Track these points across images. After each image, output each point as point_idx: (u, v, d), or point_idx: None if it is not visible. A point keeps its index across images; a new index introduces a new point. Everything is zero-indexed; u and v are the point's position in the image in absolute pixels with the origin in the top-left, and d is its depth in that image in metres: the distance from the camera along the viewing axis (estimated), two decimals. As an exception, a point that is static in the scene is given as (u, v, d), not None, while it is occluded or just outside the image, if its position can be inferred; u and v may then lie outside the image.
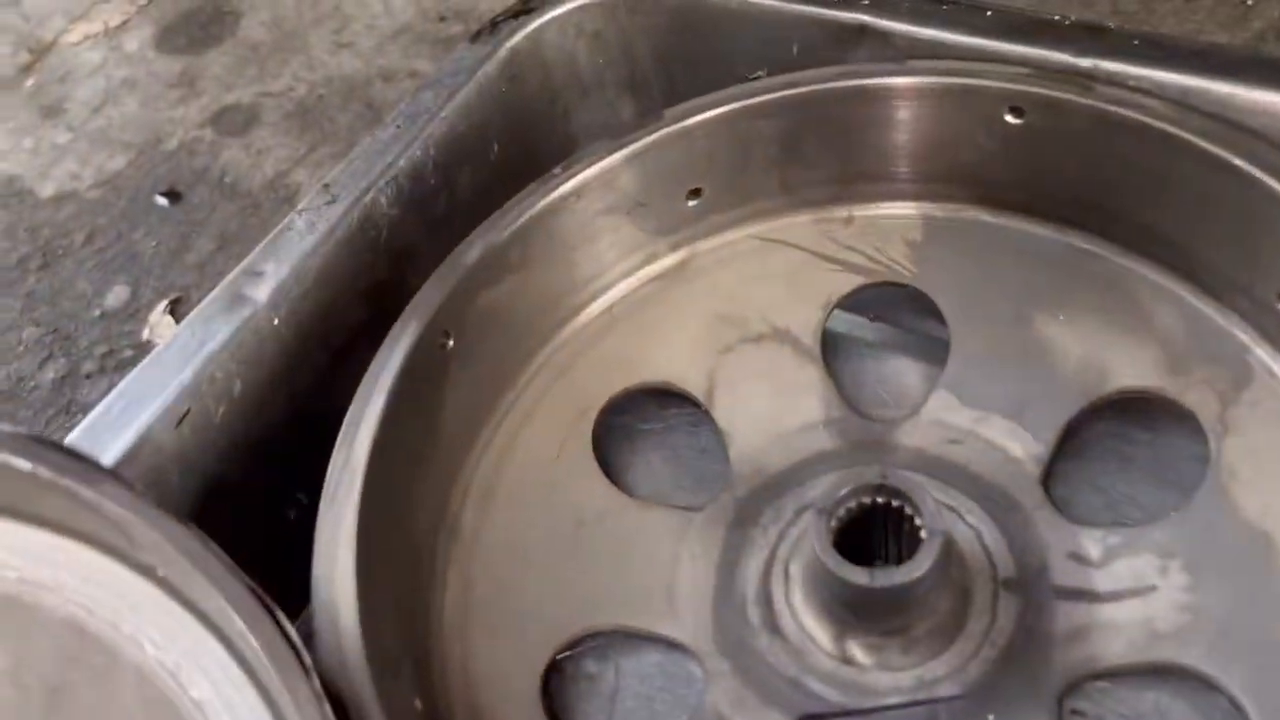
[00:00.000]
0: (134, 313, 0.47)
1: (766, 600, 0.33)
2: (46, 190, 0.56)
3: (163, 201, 0.54)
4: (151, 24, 0.62)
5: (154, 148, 0.56)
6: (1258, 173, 0.31)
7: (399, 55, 0.56)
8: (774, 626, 0.32)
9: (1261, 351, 0.33)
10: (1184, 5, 0.53)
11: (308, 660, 0.23)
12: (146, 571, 0.25)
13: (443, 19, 0.55)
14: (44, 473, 0.25)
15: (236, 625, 0.24)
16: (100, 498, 0.24)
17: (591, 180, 0.36)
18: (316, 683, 0.23)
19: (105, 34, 0.62)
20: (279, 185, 0.52)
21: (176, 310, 0.46)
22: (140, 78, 0.60)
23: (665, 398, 0.37)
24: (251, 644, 0.23)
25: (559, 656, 0.32)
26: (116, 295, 0.49)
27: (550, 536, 0.34)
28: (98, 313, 0.47)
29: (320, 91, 0.55)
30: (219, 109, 0.57)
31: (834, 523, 0.30)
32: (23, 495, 0.25)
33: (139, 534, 0.24)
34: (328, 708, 0.23)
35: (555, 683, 0.32)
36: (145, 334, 0.45)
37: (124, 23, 0.62)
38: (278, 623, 0.23)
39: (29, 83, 0.61)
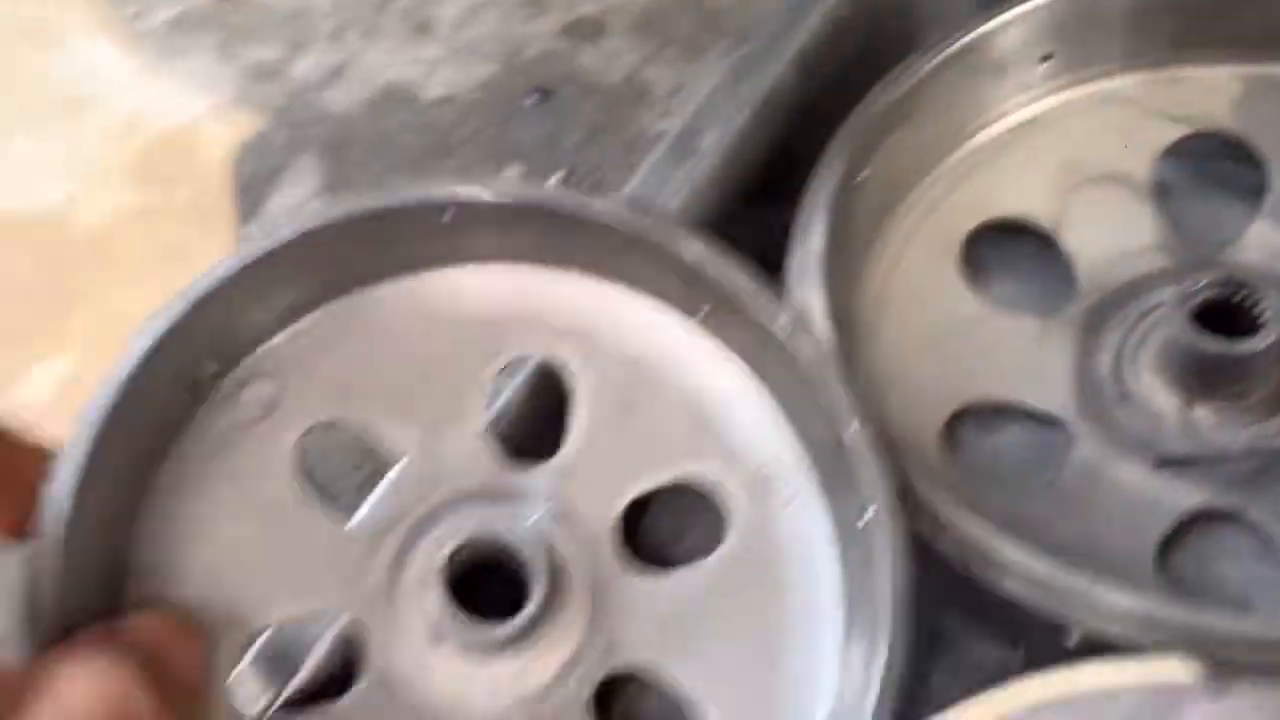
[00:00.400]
0: (535, 187, 0.59)
1: (1119, 378, 0.41)
2: (430, 94, 0.68)
3: (531, 101, 0.65)
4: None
5: (516, 56, 0.67)
6: None
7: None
8: (1127, 396, 0.40)
9: None
10: None
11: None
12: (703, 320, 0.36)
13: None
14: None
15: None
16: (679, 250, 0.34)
17: (961, 49, 0.44)
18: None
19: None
20: (634, 82, 0.62)
21: (567, 182, 0.57)
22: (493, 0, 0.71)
23: (1019, 231, 0.45)
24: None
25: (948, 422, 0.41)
26: (513, 173, 0.60)
27: (930, 339, 0.43)
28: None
29: (662, 3, 0.65)
30: (570, 21, 0.68)
31: (1190, 305, 0.38)
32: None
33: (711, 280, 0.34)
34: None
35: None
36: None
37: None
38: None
39: (398, 4, 0.73)
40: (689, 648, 0.34)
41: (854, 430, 0.33)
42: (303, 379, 0.36)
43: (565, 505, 0.35)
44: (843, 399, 0.33)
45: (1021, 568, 0.33)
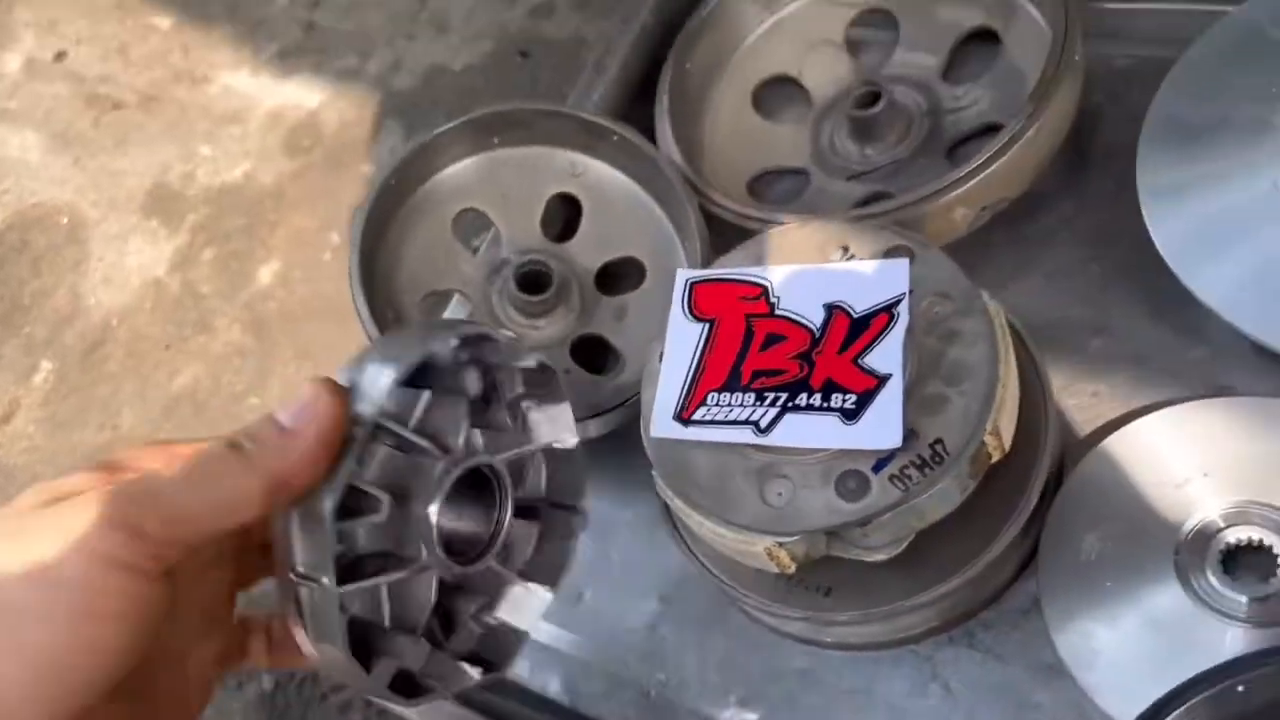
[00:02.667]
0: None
1: (831, 144, 0.81)
2: (457, 66, 1.09)
3: (519, 59, 1.06)
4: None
5: (504, 33, 1.08)
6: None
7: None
8: (835, 152, 0.80)
9: None
10: None
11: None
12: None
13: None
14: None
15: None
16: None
17: (734, -9, 0.84)
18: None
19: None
20: (576, 37, 1.03)
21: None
22: None
23: (782, 80, 0.85)
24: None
25: (750, 180, 0.81)
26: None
27: (738, 142, 0.83)
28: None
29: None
30: (533, 6, 1.09)
31: (856, 100, 0.78)
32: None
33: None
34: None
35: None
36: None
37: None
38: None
39: (424, 15, 1.14)
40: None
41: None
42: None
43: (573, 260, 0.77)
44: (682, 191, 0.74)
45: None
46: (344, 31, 1.17)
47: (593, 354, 0.76)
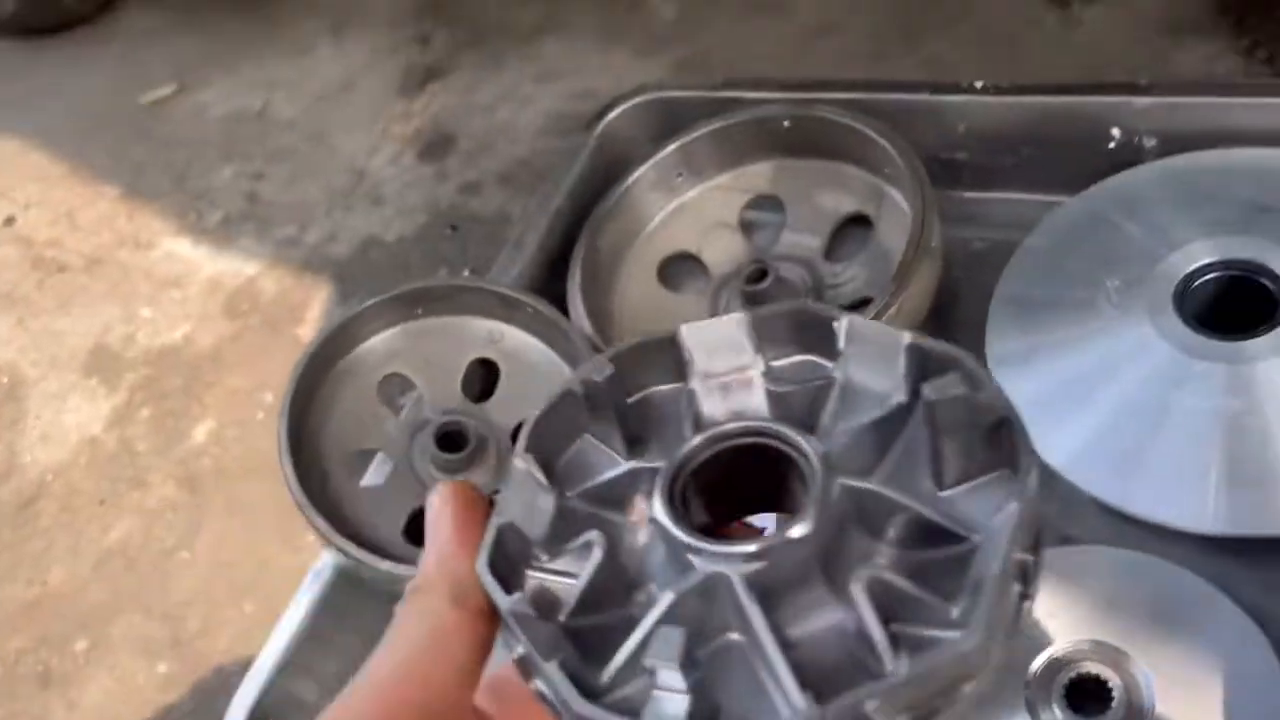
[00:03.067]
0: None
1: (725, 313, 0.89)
2: (390, 237, 1.17)
3: (448, 233, 1.14)
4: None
5: (436, 208, 1.17)
6: None
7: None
8: (730, 321, 0.88)
9: None
10: None
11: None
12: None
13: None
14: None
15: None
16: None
17: (638, 178, 0.93)
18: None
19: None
20: (501, 213, 1.12)
21: (472, 273, 1.07)
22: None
23: (684, 257, 0.94)
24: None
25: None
26: (443, 272, 1.09)
27: (646, 313, 0.91)
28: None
29: (509, 170, 1.15)
30: (462, 184, 1.18)
31: (746, 277, 0.87)
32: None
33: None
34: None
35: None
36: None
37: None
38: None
39: (362, 189, 1.23)
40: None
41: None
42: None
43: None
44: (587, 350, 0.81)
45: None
46: (285, 203, 1.25)
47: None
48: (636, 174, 0.93)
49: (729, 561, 0.32)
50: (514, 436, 0.83)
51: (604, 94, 1.18)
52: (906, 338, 0.36)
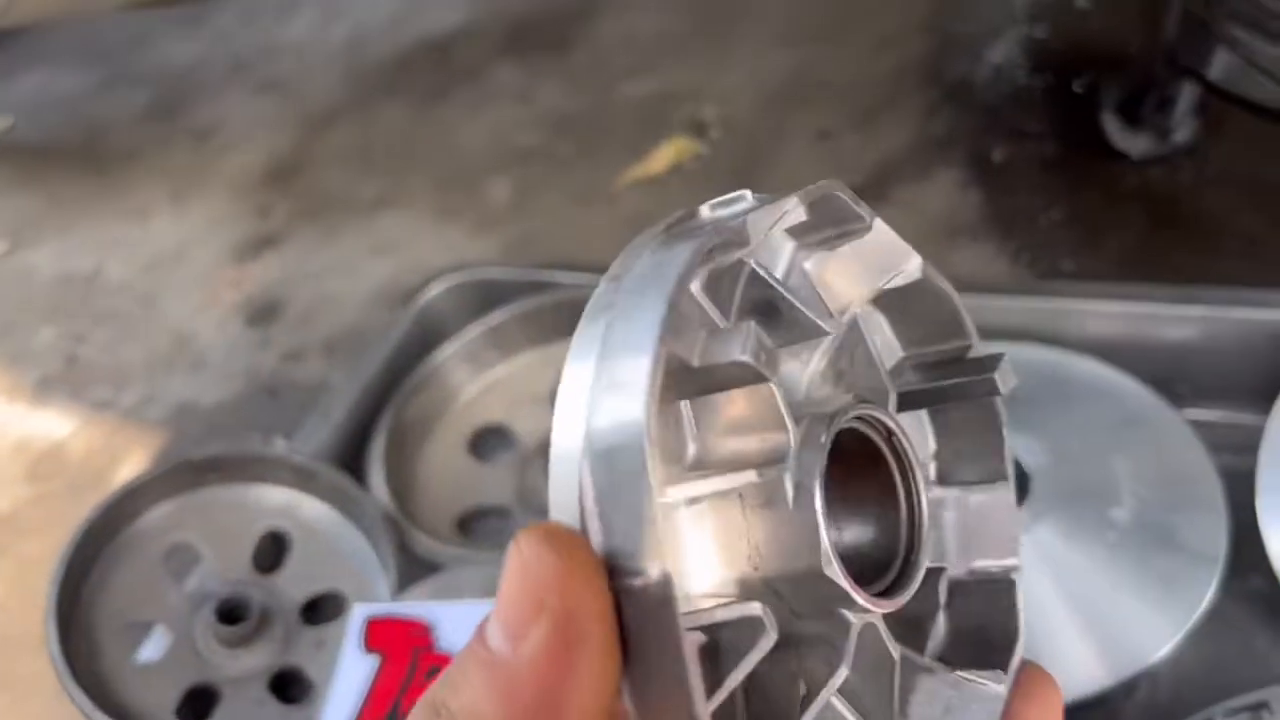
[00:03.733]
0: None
1: (531, 486, 0.90)
2: (206, 402, 1.16)
3: (263, 400, 1.14)
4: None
5: (256, 375, 1.17)
6: None
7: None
8: (535, 494, 0.89)
9: None
10: None
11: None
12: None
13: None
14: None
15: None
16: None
17: (462, 345, 0.95)
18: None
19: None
20: (317, 380, 1.12)
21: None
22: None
23: (495, 430, 0.95)
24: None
25: (458, 519, 0.89)
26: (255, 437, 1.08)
27: (450, 483, 0.92)
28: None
29: (332, 339, 1.17)
30: (283, 353, 1.18)
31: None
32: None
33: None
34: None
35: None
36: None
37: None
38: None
39: (190, 350, 1.22)
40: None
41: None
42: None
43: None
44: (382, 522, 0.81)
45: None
46: (104, 365, 1.23)
47: (291, 685, 0.79)
48: (449, 349, 0.96)
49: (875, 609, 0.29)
50: (304, 609, 0.81)
51: (436, 269, 1.22)
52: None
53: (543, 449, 0.92)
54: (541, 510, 0.81)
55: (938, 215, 1.04)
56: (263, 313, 1.22)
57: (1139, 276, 0.92)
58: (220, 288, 1.27)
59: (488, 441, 0.96)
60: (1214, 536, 0.65)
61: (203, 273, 1.31)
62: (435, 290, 1.01)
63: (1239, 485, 0.68)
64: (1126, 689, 0.63)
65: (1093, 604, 0.65)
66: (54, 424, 1.17)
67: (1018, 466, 0.70)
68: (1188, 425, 0.72)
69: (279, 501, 0.84)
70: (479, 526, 0.90)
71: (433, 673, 0.63)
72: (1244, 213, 0.98)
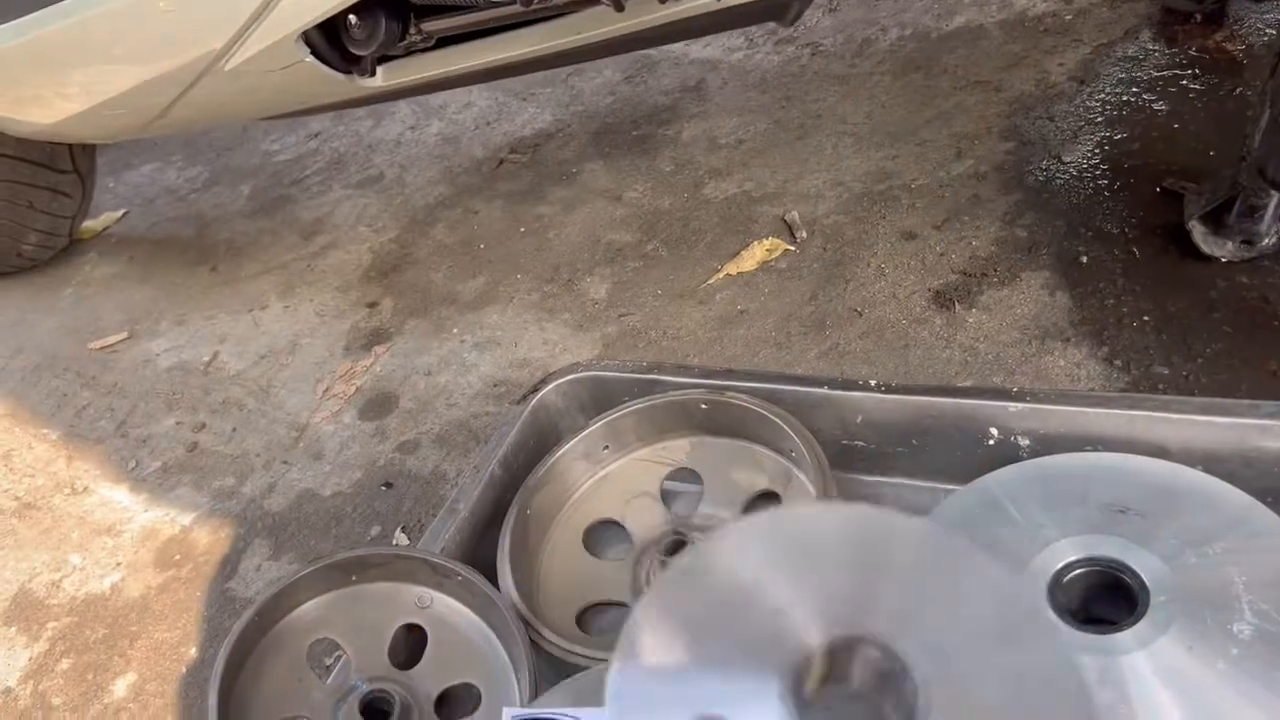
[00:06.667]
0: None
1: (649, 583, 0.94)
2: (326, 492, 1.22)
3: (383, 489, 1.19)
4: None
5: (373, 465, 1.22)
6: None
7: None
8: (650, 590, 0.93)
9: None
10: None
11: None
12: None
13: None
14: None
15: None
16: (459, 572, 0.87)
17: (570, 449, 1.00)
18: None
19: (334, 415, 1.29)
20: (436, 473, 1.18)
21: (406, 532, 1.10)
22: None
23: (608, 523, 1.00)
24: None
25: (578, 614, 0.94)
26: (374, 531, 1.13)
27: (569, 578, 0.96)
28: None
29: (447, 431, 1.22)
30: (400, 443, 1.24)
31: (666, 546, 0.93)
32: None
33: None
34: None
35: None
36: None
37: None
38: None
39: (301, 445, 1.28)
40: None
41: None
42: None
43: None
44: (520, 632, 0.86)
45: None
46: (225, 454, 1.30)
47: (429, 777, 0.83)
48: (566, 446, 1.01)
49: None
50: (438, 703, 0.86)
51: (539, 363, 1.28)
52: None
53: (653, 543, 0.97)
54: None
55: (1028, 319, 1.08)
56: (375, 405, 1.28)
57: (1234, 382, 0.94)
58: (333, 381, 1.34)
59: (600, 536, 1.00)
60: (1332, 650, 0.67)
61: (315, 366, 1.38)
62: (550, 389, 1.07)
63: (1351, 596, 0.70)
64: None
65: (1218, 717, 0.67)
66: (178, 512, 1.24)
67: (1133, 575, 0.74)
68: (1297, 536, 0.74)
69: (414, 598, 0.89)
70: (598, 621, 0.94)
71: (580, 772, 0.67)
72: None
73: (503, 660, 0.86)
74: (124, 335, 1.58)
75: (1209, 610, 0.70)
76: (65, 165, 1.66)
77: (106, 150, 2.14)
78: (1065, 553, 0.76)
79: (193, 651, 1.06)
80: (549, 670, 0.84)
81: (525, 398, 1.08)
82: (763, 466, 0.98)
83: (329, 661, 0.89)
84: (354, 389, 1.32)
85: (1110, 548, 0.75)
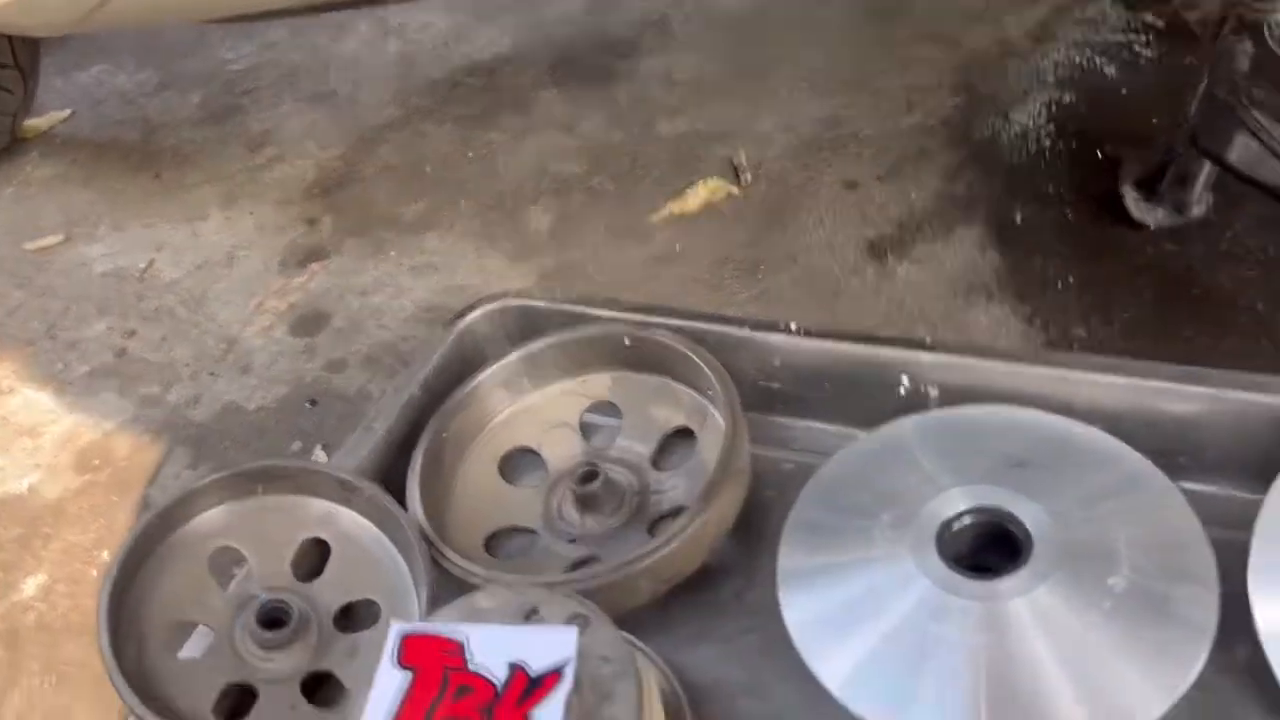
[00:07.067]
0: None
1: (560, 509, 0.95)
2: (251, 406, 1.21)
3: (309, 406, 1.19)
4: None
5: (299, 382, 1.22)
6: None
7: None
8: (562, 515, 0.94)
9: None
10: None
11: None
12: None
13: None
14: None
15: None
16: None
17: (487, 378, 1.00)
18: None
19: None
20: (361, 392, 1.18)
21: (326, 450, 1.10)
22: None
23: (525, 451, 1.00)
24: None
25: (486, 539, 0.94)
26: (296, 447, 1.13)
27: (482, 502, 0.97)
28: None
29: (373, 351, 1.22)
30: (328, 361, 1.24)
31: (579, 477, 0.94)
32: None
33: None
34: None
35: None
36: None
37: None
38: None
39: (230, 357, 1.27)
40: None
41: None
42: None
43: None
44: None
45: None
46: (153, 362, 1.29)
47: (323, 688, 0.84)
48: (487, 372, 1.00)
49: None
50: (338, 616, 0.86)
51: (475, 290, 1.27)
52: None
53: (569, 474, 0.97)
54: (563, 534, 0.84)
55: (957, 274, 1.09)
56: (307, 322, 1.28)
57: (1148, 348, 0.96)
58: (267, 295, 1.33)
59: (517, 464, 1.00)
60: (1206, 608, 0.69)
61: (250, 279, 1.37)
62: (477, 315, 1.06)
63: (1230, 558, 0.72)
64: (1118, 754, 0.67)
65: (1087, 665, 0.69)
66: (102, 417, 1.23)
67: (1019, 526, 0.75)
68: (1184, 497, 0.76)
69: (321, 512, 0.89)
70: (506, 546, 0.95)
71: (462, 691, 0.68)
72: (1254, 290, 1.02)
73: (405, 578, 0.87)
74: (61, 238, 1.55)
75: (1089, 564, 0.72)
76: (6, 59, 1.62)
77: (55, 49, 2.09)
78: (957, 501, 0.78)
79: (105, 555, 1.06)
80: (453, 590, 0.85)
81: (451, 322, 1.07)
82: (681, 404, 0.98)
83: (236, 572, 0.89)
84: (287, 305, 1.32)
85: (1001, 498, 0.77)
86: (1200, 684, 0.68)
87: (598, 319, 1.02)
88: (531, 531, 0.94)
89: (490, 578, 0.83)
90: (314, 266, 1.37)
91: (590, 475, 0.93)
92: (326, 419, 1.15)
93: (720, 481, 0.84)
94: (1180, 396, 0.81)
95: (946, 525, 0.77)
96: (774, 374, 0.96)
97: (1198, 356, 0.88)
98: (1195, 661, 0.67)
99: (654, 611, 0.83)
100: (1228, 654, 0.70)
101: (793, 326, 0.94)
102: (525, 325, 1.06)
